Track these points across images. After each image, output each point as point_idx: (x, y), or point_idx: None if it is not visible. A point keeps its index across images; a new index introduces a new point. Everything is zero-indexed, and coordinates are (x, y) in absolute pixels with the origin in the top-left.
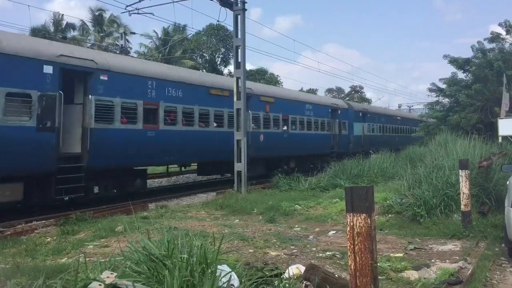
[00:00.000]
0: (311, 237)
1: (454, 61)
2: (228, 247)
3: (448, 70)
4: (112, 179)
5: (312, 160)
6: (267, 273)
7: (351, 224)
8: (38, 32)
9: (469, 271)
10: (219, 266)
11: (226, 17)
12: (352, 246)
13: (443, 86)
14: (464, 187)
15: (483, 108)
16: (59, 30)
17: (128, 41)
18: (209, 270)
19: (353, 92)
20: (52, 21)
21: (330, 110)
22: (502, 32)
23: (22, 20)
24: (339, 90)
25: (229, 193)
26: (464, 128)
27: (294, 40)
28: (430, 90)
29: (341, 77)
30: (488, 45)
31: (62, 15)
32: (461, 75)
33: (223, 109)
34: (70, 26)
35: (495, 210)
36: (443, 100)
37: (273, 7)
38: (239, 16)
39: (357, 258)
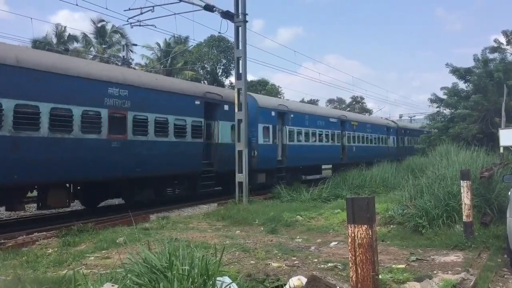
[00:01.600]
0: (312, 248)
1: (456, 71)
2: (230, 259)
3: (449, 80)
4: None
5: None
6: (268, 284)
7: (353, 235)
8: (39, 44)
9: (472, 282)
10: (220, 278)
11: (227, 29)
12: (353, 258)
13: (444, 96)
14: (466, 198)
15: (483, 118)
16: (61, 42)
17: (132, 51)
18: (210, 282)
19: (354, 102)
20: (55, 33)
21: None
22: (504, 41)
23: (26, 32)
24: (340, 100)
25: (231, 204)
26: (465, 139)
27: (294, 51)
28: (431, 101)
29: (342, 87)
30: (490, 55)
31: (65, 27)
32: (462, 85)
33: None
34: (73, 38)
35: (497, 221)
36: (444, 111)
37: (275, 19)
38: (240, 28)
39: (359, 270)
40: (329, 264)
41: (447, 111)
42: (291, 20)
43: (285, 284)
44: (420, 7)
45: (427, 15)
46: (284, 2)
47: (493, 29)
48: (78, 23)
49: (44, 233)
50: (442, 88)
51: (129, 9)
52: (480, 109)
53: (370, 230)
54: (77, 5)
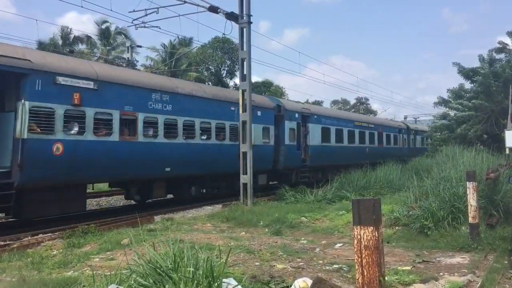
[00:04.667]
0: (317, 249)
1: (463, 72)
2: (234, 260)
3: (454, 81)
4: None
5: None
6: (273, 286)
7: (359, 237)
8: (45, 46)
9: (478, 284)
10: (225, 280)
11: (231, 30)
12: (359, 260)
13: (450, 98)
14: (472, 199)
15: (488, 119)
16: (66, 43)
17: (136, 53)
18: (216, 284)
19: (358, 103)
20: (60, 34)
21: None
22: (509, 42)
23: (32, 34)
24: (345, 101)
25: (235, 205)
26: (470, 140)
27: (299, 52)
28: (436, 104)
29: (346, 88)
30: (496, 56)
31: (70, 28)
32: (468, 85)
33: None
34: (78, 39)
35: (504, 222)
36: (449, 112)
37: (281, 20)
38: (244, 29)
39: (365, 272)
40: (335, 266)
41: (452, 113)
42: (297, 22)
43: (290, 286)
44: (426, 8)
45: (433, 16)
46: (290, 3)
47: (500, 30)
48: (86, 26)
49: (49, 234)
50: (448, 90)
51: (134, 11)
52: (484, 110)
53: (376, 232)
54: (82, 6)
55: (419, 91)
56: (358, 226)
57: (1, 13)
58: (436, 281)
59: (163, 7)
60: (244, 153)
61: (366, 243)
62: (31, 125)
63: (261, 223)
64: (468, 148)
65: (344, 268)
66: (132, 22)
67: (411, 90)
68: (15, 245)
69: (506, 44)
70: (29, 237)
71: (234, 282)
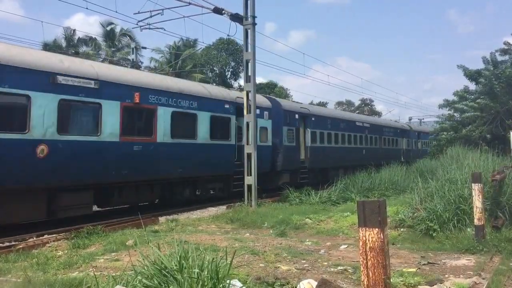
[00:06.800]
0: (322, 251)
1: (468, 73)
2: (239, 261)
3: (460, 82)
4: None
5: None
6: None
7: (364, 238)
8: (49, 47)
9: (484, 287)
10: (230, 281)
11: (236, 32)
12: (365, 261)
13: (455, 98)
14: (477, 201)
15: (493, 120)
16: (71, 45)
17: (140, 54)
18: (220, 285)
19: (363, 105)
20: (64, 36)
21: None
22: None
23: (39, 36)
24: (349, 103)
25: (239, 206)
26: (475, 141)
27: (304, 54)
28: (441, 106)
29: (351, 90)
30: (500, 57)
31: (74, 30)
32: (473, 87)
33: None
34: (82, 41)
35: (509, 224)
36: (454, 114)
37: (287, 22)
38: (249, 31)
39: (370, 274)
40: (339, 268)
41: (457, 115)
42: (303, 23)
43: (295, 287)
44: (432, 9)
45: (439, 17)
46: (296, 5)
47: (506, 32)
48: (93, 27)
49: (55, 235)
50: (454, 94)
51: (139, 12)
52: (490, 111)
53: (381, 234)
54: (87, 8)
55: (424, 92)
56: (363, 228)
57: (8, 15)
58: (442, 283)
59: (168, 8)
60: (249, 154)
61: (371, 244)
62: None
63: (266, 225)
64: (473, 149)
65: (349, 270)
66: (137, 24)
67: (416, 91)
68: (21, 246)
69: (511, 44)
70: (34, 238)
71: (239, 284)
